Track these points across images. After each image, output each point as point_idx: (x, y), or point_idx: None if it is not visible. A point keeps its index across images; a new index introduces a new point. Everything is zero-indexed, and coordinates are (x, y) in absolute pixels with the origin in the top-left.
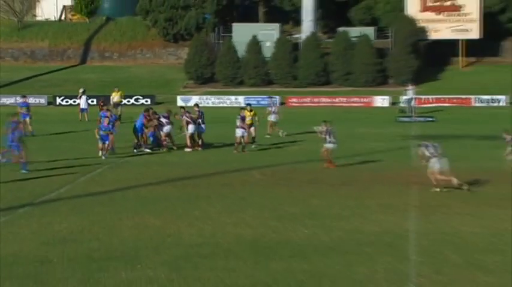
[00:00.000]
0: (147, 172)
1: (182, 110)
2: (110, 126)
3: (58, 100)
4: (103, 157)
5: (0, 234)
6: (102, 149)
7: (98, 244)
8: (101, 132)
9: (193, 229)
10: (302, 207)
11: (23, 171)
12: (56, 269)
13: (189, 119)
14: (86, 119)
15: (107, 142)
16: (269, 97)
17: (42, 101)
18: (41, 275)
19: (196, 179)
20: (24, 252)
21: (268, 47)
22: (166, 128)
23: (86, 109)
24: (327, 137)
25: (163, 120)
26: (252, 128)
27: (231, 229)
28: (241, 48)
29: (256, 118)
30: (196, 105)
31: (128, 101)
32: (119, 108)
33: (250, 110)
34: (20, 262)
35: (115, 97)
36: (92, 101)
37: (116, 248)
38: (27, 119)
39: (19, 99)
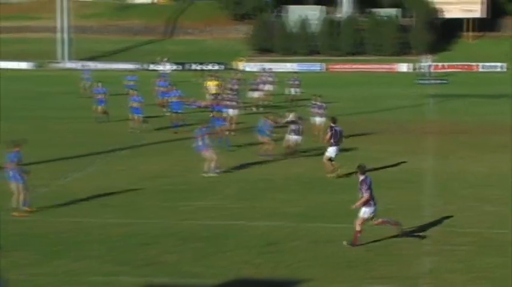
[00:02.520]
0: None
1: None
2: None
3: (151, 66)
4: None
5: (103, 170)
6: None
7: (181, 179)
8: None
9: (255, 168)
10: (341, 151)
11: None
12: (146, 199)
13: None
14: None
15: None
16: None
17: (138, 67)
18: (134, 203)
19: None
20: (121, 185)
21: (315, 25)
22: None
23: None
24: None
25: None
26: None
27: (285, 168)
28: (294, 26)
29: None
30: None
31: (206, 67)
32: (239, 74)
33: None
34: (118, 193)
35: (240, 65)
36: (179, 67)
37: (194, 182)
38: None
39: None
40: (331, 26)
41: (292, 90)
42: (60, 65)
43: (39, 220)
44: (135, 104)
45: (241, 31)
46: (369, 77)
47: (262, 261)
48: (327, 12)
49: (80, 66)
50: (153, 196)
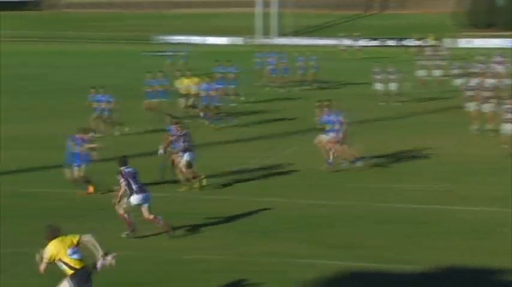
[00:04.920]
0: None
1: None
2: None
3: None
4: None
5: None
6: None
7: (375, 161)
8: None
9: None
10: None
11: None
12: (338, 180)
13: None
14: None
15: None
16: None
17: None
18: (327, 185)
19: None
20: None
21: None
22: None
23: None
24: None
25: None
26: None
27: (485, 150)
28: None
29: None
30: None
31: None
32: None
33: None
34: (313, 173)
35: (429, 41)
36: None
37: (391, 164)
38: None
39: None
40: None
41: (500, 68)
42: (266, 41)
43: (231, 199)
44: None
45: (448, 6)
46: None
47: (464, 247)
48: None
49: (291, 42)
50: (348, 176)
